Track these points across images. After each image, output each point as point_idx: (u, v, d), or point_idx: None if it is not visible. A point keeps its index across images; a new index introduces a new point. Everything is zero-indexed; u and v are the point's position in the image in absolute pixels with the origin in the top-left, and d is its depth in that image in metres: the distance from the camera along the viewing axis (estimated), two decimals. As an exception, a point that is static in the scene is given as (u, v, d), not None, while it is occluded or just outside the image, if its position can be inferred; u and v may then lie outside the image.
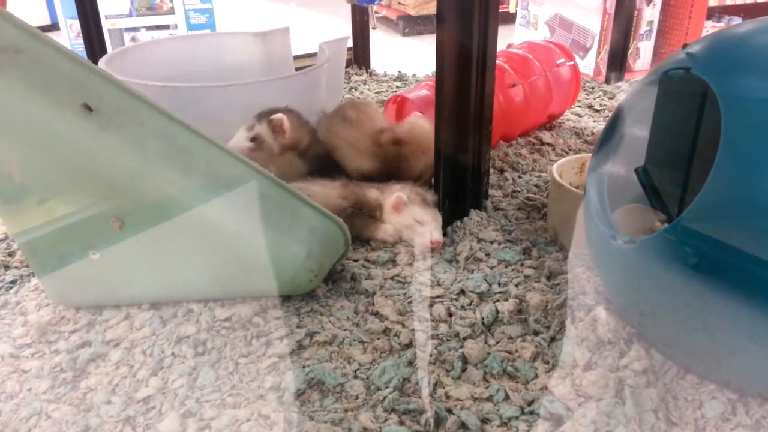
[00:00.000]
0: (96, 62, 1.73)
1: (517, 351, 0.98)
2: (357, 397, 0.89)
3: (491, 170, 1.48)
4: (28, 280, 1.19)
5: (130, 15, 2.89)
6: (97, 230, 1.00)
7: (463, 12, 1.17)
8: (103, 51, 2.13)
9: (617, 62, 2.47)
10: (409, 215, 1.28)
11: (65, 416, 0.87)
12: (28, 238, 1.03)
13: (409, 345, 1.00)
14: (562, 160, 1.35)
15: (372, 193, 1.33)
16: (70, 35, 2.89)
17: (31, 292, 1.16)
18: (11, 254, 1.28)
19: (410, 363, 0.96)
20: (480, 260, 1.22)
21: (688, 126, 1.01)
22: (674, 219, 0.78)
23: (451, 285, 1.15)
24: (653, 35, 2.59)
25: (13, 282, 1.19)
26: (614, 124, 0.99)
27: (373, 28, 2.57)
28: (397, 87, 2.46)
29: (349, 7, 2.53)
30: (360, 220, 1.29)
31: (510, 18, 3.14)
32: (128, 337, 1.03)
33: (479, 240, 1.29)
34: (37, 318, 1.07)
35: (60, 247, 1.03)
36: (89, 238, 1.02)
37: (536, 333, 1.01)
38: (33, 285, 1.17)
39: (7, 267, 1.24)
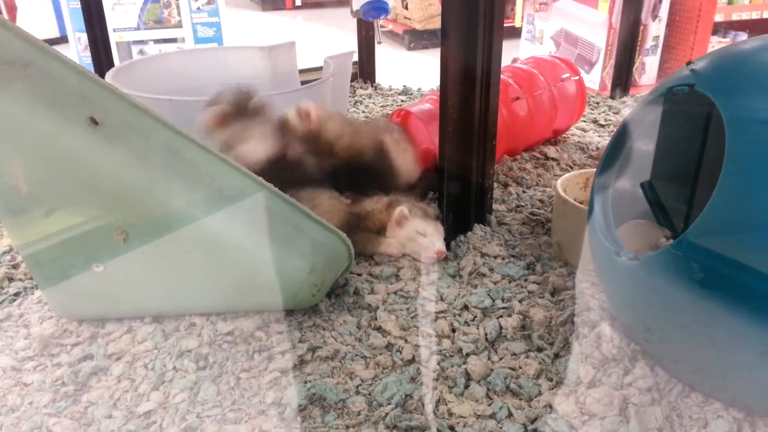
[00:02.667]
0: (103, 75, 1.75)
1: (520, 368, 0.97)
2: (359, 414, 0.89)
3: (495, 185, 1.48)
4: (32, 293, 1.19)
5: (138, 28, 2.92)
6: (100, 243, 1.00)
7: (467, 28, 1.18)
8: (111, 64, 2.15)
9: (623, 77, 2.48)
10: (411, 228, 1.28)
11: (66, 430, 0.87)
12: (32, 251, 1.03)
13: (412, 361, 0.99)
14: (567, 175, 1.34)
15: (375, 208, 1.33)
16: (78, 48, 2.92)
17: (34, 304, 1.16)
18: (15, 266, 1.28)
19: (413, 379, 0.95)
20: (483, 275, 1.22)
21: (693, 142, 1.01)
22: (680, 234, 0.78)
23: (455, 300, 1.14)
24: (659, 50, 2.59)
25: (16, 294, 1.19)
26: (619, 139, 0.99)
27: (379, 43, 2.59)
28: (402, 101, 2.47)
29: (355, 21, 2.54)
30: (363, 235, 1.29)
31: (515, 33, 3.15)
32: (130, 350, 1.03)
33: (483, 255, 1.28)
34: (40, 331, 1.07)
35: (64, 259, 1.04)
36: (93, 251, 1.02)
37: (540, 349, 1.00)
38: (36, 297, 1.18)
39: (11, 279, 1.24)
